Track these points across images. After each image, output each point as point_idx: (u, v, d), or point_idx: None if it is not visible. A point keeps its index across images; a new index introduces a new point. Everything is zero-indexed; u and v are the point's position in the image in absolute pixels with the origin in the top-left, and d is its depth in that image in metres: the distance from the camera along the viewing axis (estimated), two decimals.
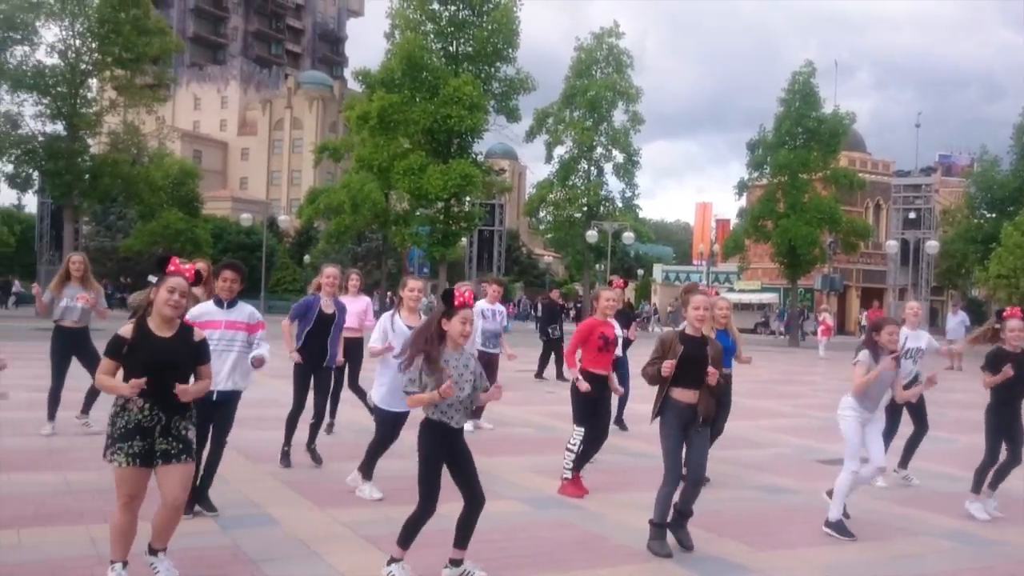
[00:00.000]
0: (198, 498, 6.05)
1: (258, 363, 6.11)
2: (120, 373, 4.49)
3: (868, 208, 57.61)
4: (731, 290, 52.58)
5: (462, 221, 38.76)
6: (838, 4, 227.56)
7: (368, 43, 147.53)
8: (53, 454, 8.18)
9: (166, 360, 4.46)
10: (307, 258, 59.13)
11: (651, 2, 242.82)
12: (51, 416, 9.10)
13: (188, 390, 4.45)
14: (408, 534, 4.85)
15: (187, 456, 4.50)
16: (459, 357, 4.83)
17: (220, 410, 6.02)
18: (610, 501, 7.13)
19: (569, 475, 7.27)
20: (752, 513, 7.02)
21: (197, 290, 6.25)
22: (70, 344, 9.06)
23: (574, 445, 7.25)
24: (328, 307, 7.85)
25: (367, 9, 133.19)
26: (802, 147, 38.33)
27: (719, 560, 5.68)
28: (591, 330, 7.34)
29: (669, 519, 5.74)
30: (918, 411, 8.36)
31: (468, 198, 38.49)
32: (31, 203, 48.50)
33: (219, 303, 6.04)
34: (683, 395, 5.67)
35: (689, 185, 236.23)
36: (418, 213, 38.75)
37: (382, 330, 6.88)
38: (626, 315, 10.81)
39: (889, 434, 7.80)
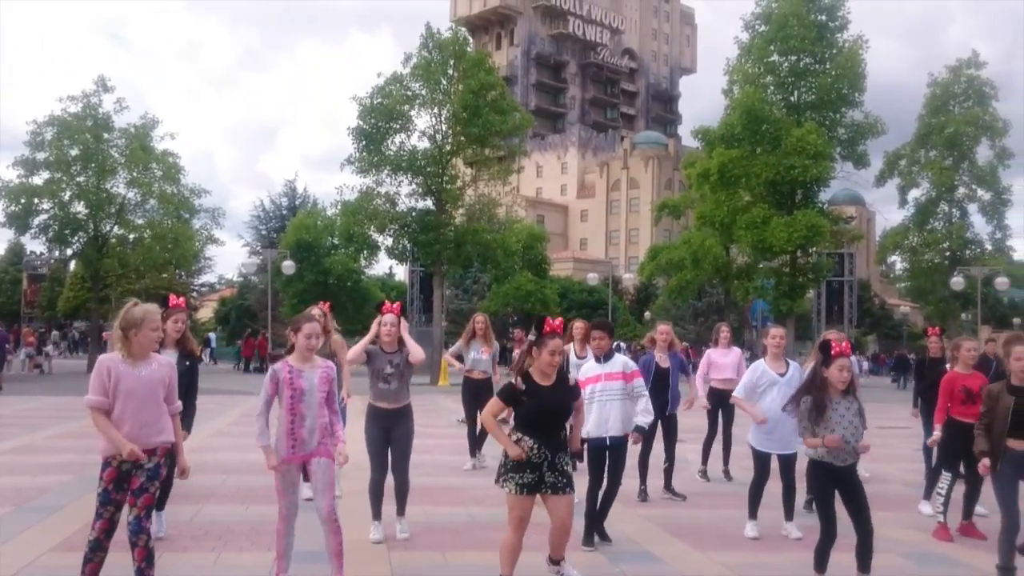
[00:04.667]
0: (598, 530, 6.64)
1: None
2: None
3: None
4: None
5: (809, 272, 37.47)
6: None
7: (701, 97, 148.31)
8: (460, 491, 9.23)
9: (551, 406, 5.18)
10: (647, 314, 60.25)
11: (1016, 20, 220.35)
12: (472, 453, 10.61)
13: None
14: (820, 559, 5.46)
15: (570, 488, 5.22)
16: (849, 404, 5.30)
17: (614, 454, 6.60)
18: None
19: (942, 519, 7.48)
20: None
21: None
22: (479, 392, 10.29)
23: (942, 490, 7.52)
24: (664, 362, 8.38)
25: (699, 65, 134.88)
26: None
27: None
28: (952, 384, 7.39)
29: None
30: None
31: (815, 248, 37.17)
32: (399, 272, 54.12)
33: (596, 358, 6.71)
34: (1018, 444, 5.69)
35: None
36: (761, 266, 38.07)
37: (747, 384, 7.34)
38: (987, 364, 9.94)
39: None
